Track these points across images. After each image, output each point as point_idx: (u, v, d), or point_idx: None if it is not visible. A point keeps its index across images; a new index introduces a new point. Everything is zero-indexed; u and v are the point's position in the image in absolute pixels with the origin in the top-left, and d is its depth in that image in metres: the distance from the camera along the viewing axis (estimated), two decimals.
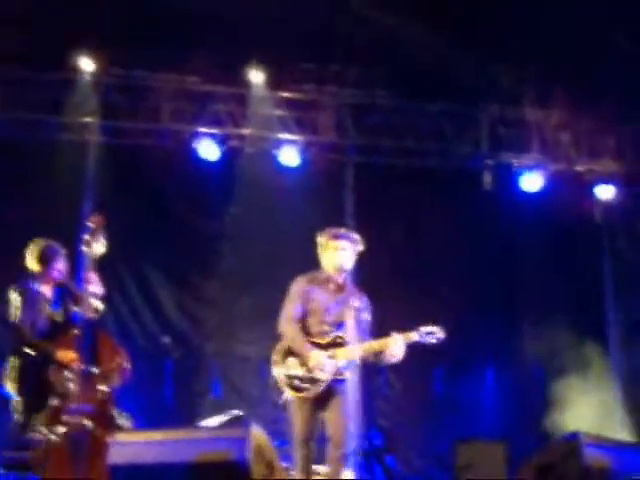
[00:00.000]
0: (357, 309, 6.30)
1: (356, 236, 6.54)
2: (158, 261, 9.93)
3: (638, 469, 5.76)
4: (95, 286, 6.61)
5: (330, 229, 6.59)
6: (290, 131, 10.00)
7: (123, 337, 8.89)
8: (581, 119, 10.33)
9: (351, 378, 6.14)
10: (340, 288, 6.50)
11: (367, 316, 6.45)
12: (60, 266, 6.91)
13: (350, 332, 6.27)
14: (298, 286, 6.55)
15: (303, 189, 9.88)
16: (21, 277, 6.89)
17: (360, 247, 6.51)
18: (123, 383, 6.59)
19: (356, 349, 6.16)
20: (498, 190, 10.37)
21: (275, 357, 6.38)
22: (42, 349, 6.53)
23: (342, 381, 6.25)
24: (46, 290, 6.83)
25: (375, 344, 6.28)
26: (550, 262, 10.21)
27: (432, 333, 6.36)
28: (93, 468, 5.94)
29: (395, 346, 6.24)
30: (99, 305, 6.69)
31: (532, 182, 10.39)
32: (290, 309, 6.48)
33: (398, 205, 10.06)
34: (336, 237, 6.49)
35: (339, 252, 6.45)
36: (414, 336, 6.33)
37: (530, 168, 10.37)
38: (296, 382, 6.26)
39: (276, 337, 6.54)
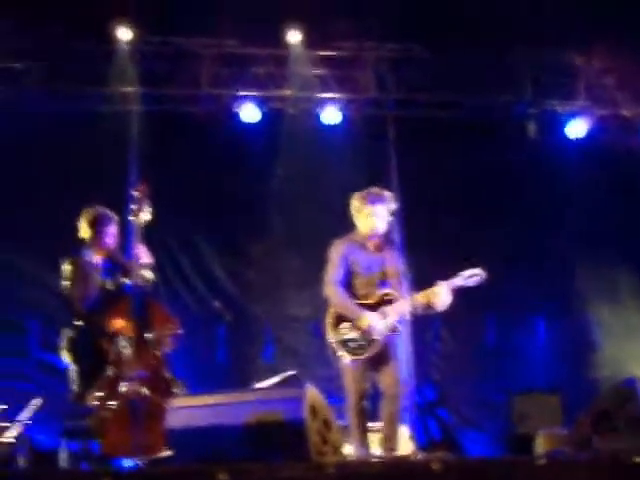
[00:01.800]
0: (398, 265, 6.32)
1: (389, 195, 6.50)
2: (205, 227, 9.98)
3: None
4: (144, 256, 6.67)
5: (364, 193, 6.55)
6: (330, 89, 9.94)
7: (174, 304, 8.97)
8: (625, 62, 10.13)
9: (402, 334, 6.19)
10: (378, 247, 6.51)
11: (406, 271, 6.43)
12: (112, 231, 6.93)
13: (396, 288, 6.31)
14: (337, 249, 6.55)
15: (346, 147, 9.84)
16: (72, 248, 6.95)
17: (393, 205, 6.47)
18: (176, 348, 6.66)
19: (404, 303, 6.19)
20: (543, 138, 10.24)
21: (328, 323, 6.41)
22: (93, 320, 6.60)
23: (395, 338, 6.29)
24: (97, 260, 6.87)
25: (423, 295, 6.30)
26: (599, 208, 10.07)
27: (474, 275, 6.38)
28: (151, 433, 6.02)
29: (441, 294, 6.26)
30: (149, 274, 6.76)
31: (578, 128, 10.24)
32: (332, 273, 6.50)
33: (441, 158, 9.98)
34: (371, 203, 6.46)
35: (374, 217, 6.44)
36: (457, 281, 6.34)
37: (575, 114, 10.22)
38: (352, 345, 6.30)
39: (325, 297, 6.56)
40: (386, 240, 6.47)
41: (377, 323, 6.26)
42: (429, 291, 6.31)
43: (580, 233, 10.12)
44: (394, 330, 6.29)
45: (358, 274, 6.46)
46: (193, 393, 6.37)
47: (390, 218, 6.41)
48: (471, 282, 6.38)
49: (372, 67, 9.94)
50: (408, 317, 6.20)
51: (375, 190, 6.54)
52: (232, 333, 9.25)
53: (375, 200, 6.44)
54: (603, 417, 5.40)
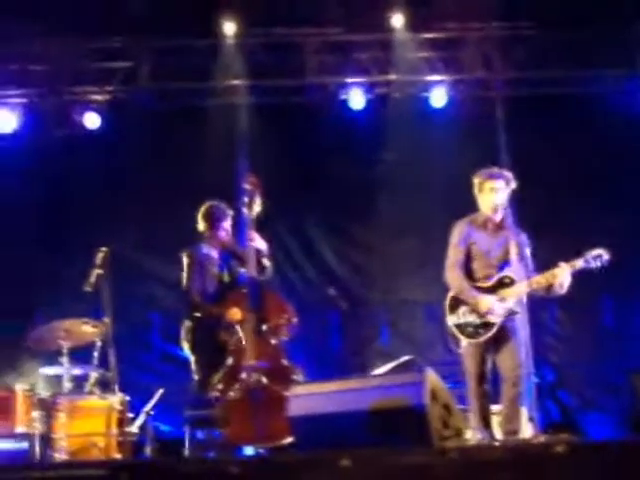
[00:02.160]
0: (519, 246, 6.25)
1: (509, 174, 6.48)
2: (315, 214, 10.04)
3: None
4: (259, 243, 6.78)
5: (484, 169, 6.55)
6: (436, 72, 9.86)
7: (288, 292, 9.05)
8: None
9: (520, 316, 6.12)
10: (499, 227, 6.46)
11: (529, 252, 6.40)
12: (227, 225, 7.07)
13: (516, 270, 6.24)
14: (458, 231, 6.53)
15: (454, 129, 9.73)
16: (190, 242, 7.08)
17: (514, 185, 6.44)
18: (292, 337, 6.73)
19: (524, 286, 6.14)
20: None
21: (447, 307, 6.41)
22: (211, 312, 6.72)
23: (513, 320, 6.23)
24: (213, 253, 7.00)
25: (543, 277, 6.24)
26: None
27: (599, 256, 6.24)
28: (273, 421, 6.12)
29: (562, 276, 6.18)
30: (266, 262, 6.86)
31: None
32: (452, 256, 6.50)
33: (552, 136, 9.79)
34: (491, 177, 6.45)
35: (495, 192, 6.40)
36: (580, 262, 6.24)
37: None
38: (470, 329, 6.29)
39: (438, 279, 6.55)
40: (508, 220, 6.39)
41: (495, 307, 6.22)
42: (549, 273, 6.23)
43: None
44: (512, 313, 6.24)
45: (478, 256, 6.43)
46: (312, 380, 6.44)
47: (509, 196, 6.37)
48: (595, 263, 6.25)
49: (478, 47, 9.80)
50: (525, 299, 6.15)
51: (496, 169, 6.53)
52: (345, 318, 9.32)
53: (496, 176, 6.43)
54: None
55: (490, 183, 6.41)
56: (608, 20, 9.54)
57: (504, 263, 6.36)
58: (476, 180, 6.50)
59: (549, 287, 6.26)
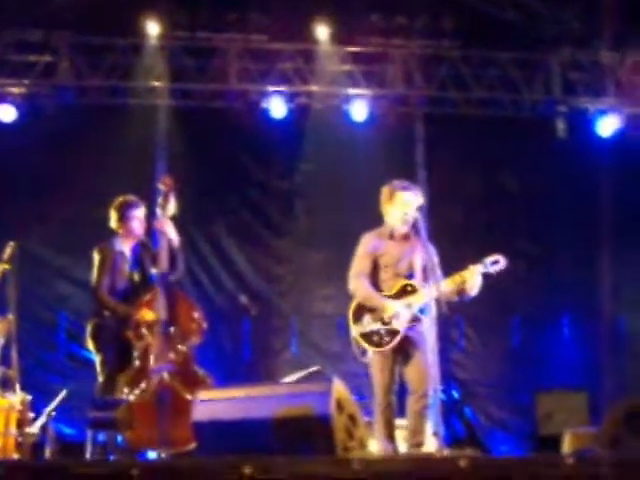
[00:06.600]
0: (426, 254, 6.25)
1: (418, 188, 6.50)
2: (231, 221, 9.99)
3: None
4: (171, 232, 6.66)
5: (396, 181, 6.54)
6: (358, 85, 9.90)
7: (200, 298, 8.98)
8: None
9: (429, 329, 6.13)
10: (405, 238, 6.47)
11: (437, 262, 6.37)
12: (138, 214, 6.86)
13: (419, 280, 6.27)
14: (366, 242, 6.53)
15: (373, 143, 9.78)
16: (103, 241, 6.93)
17: (421, 200, 6.45)
18: (201, 342, 6.65)
19: (429, 292, 6.13)
20: (573, 137, 10.10)
21: (351, 316, 6.38)
22: (120, 311, 6.61)
23: (420, 331, 6.24)
24: (126, 249, 6.86)
25: (452, 281, 6.24)
26: (629, 209, 9.92)
27: (496, 262, 6.31)
28: (177, 426, 6.04)
29: (473, 276, 6.22)
30: (180, 263, 6.72)
31: (608, 126, 10.08)
32: (358, 266, 6.47)
33: (470, 156, 9.94)
34: (404, 189, 6.44)
35: (407, 204, 6.40)
36: (479, 267, 6.28)
37: (605, 112, 10.09)
38: (375, 338, 6.26)
39: (350, 291, 6.54)
40: (414, 231, 6.41)
41: (401, 312, 6.22)
42: (458, 275, 6.25)
43: (610, 236, 9.97)
44: (416, 320, 6.24)
45: (386, 267, 6.43)
46: (219, 386, 6.38)
47: (417, 212, 6.36)
48: (494, 269, 6.32)
49: (400, 63, 9.89)
50: (432, 305, 6.15)
51: (407, 182, 6.54)
52: (257, 327, 9.28)
53: (406, 188, 6.43)
54: (636, 415, 5.28)
55: (403, 195, 6.41)
56: (528, 44, 9.73)
57: (410, 274, 6.39)
58: (387, 190, 6.50)
59: (460, 289, 6.28)
